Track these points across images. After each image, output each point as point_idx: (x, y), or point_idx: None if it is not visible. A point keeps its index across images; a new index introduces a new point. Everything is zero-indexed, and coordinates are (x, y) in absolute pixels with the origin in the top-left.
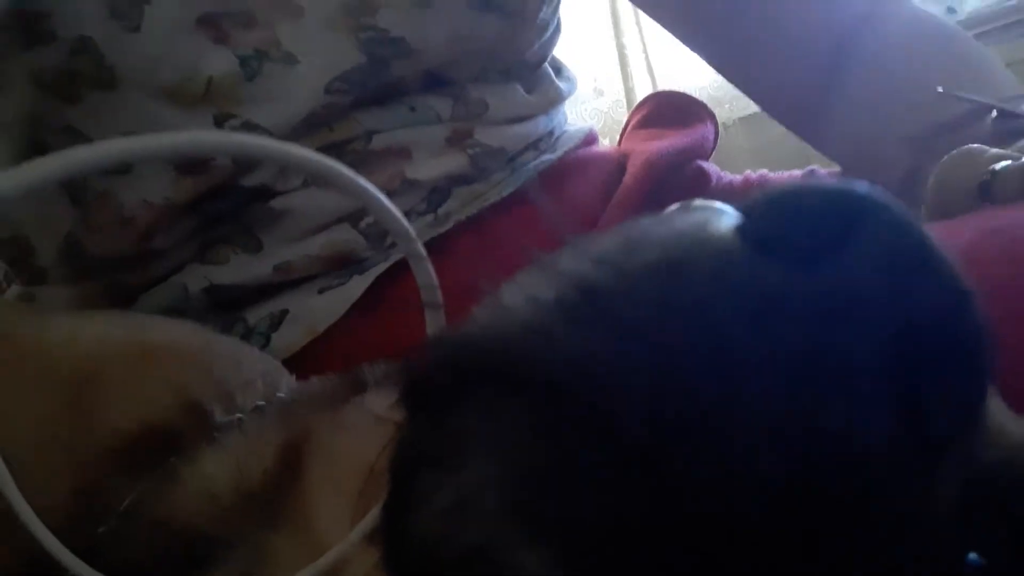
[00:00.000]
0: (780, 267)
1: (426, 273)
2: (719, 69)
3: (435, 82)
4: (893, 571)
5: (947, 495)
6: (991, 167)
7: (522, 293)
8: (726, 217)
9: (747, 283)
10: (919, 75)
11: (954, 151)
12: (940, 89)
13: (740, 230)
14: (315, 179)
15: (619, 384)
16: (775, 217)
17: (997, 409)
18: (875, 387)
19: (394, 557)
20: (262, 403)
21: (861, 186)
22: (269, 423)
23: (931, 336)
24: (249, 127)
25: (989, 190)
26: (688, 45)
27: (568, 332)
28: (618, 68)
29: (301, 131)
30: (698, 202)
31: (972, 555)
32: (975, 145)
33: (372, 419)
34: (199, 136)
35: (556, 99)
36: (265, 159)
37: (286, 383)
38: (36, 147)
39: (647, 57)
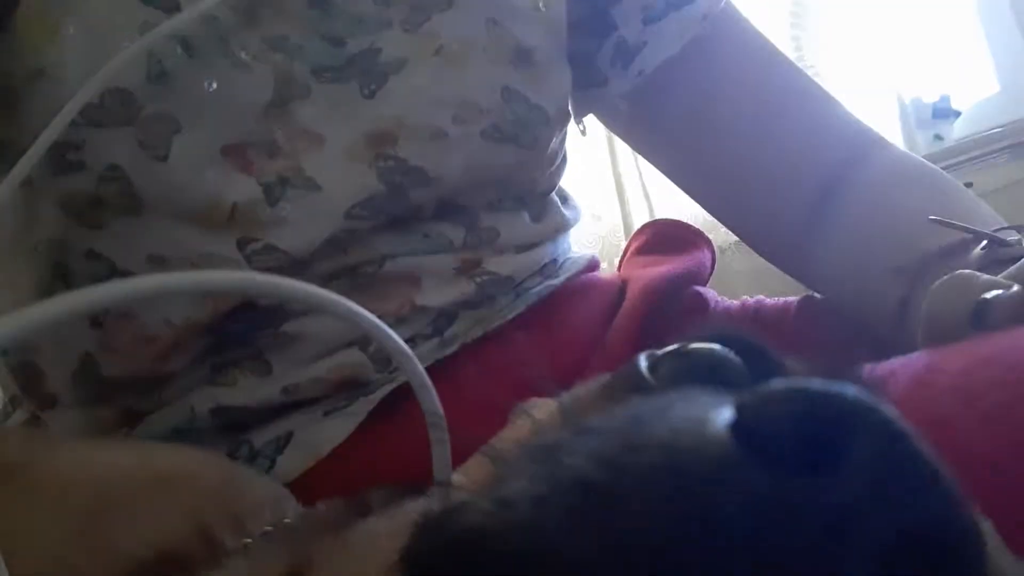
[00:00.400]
0: (774, 478)
1: (432, 403)
2: (702, 203)
3: (450, 210)
4: None
5: None
6: (983, 295)
7: (523, 487)
8: (721, 416)
9: (743, 495)
10: (905, 207)
11: (945, 276)
12: (932, 217)
13: (735, 431)
14: (326, 313)
15: None
16: (768, 420)
17: (995, 551)
18: None
19: None
20: (269, 528)
21: (849, 389)
22: (275, 548)
23: (927, 553)
24: (270, 250)
25: (982, 319)
26: (672, 179)
27: (565, 539)
28: (615, 195)
29: (319, 254)
30: (695, 345)
31: None
32: (966, 271)
33: (374, 544)
34: (194, 276)
35: (562, 227)
36: (269, 296)
37: (293, 508)
38: (59, 271)
39: (643, 184)
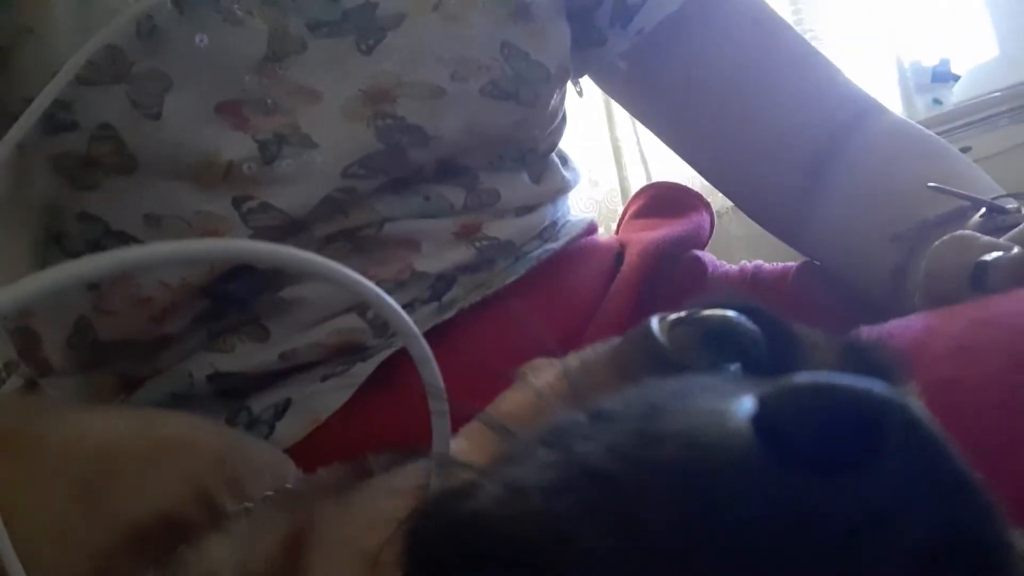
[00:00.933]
0: (798, 479)
1: (432, 375)
2: (697, 168)
3: (450, 171)
4: None
5: None
6: (982, 258)
7: (535, 474)
8: (742, 409)
9: (766, 496)
10: (903, 174)
11: (945, 236)
12: (931, 184)
13: (758, 426)
14: (323, 281)
15: None
16: (793, 415)
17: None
18: None
19: None
20: (270, 493)
21: (878, 385)
22: (276, 512)
23: (956, 561)
24: (266, 208)
25: (981, 280)
26: (667, 143)
27: (581, 532)
28: (612, 159)
29: (318, 214)
30: (709, 312)
31: None
32: (967, 232)
33: (375, 508)
34: (192, 244)
35: (563, 188)
36: (265, 263)
37: (293, 474)
38: (52, 233)
39: (640, 149)
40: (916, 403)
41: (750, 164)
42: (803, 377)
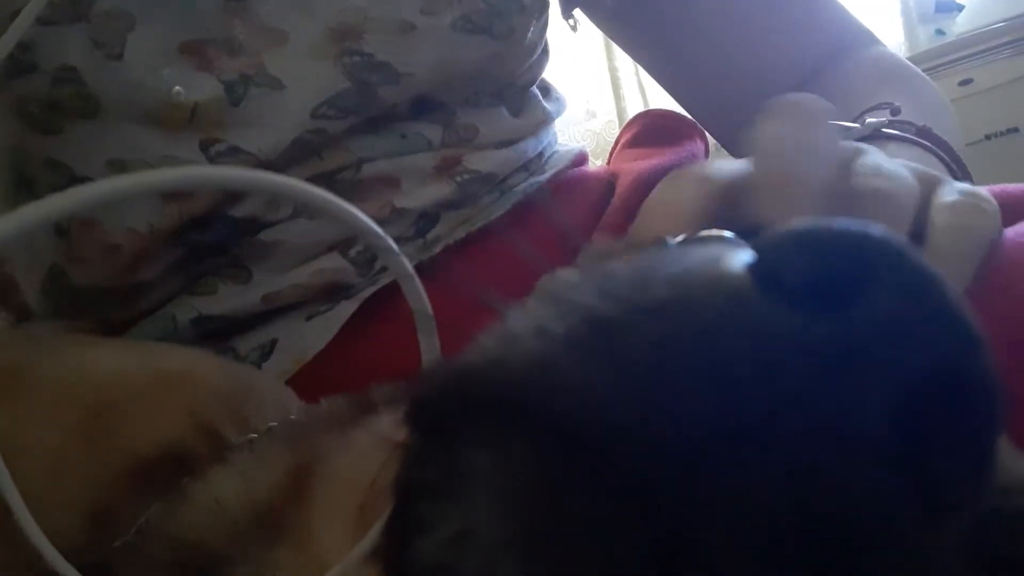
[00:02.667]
0: (792, 312)
1: (416, 293)
2: (683, 104)
3: (425, 107)
4: None
5: (949, 554)
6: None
7: (530, 322)
8: (738, 254)
9: (758, 329)
10: (861, 103)
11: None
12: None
13: (752, 269)
14: (301, 206)
15: (622, 424)
16: (789, 257)
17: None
18: (881, 443)
19: None
20: (274, 424)
21: (877, 228)
22: (280, 443)
23: (944, 392)
24: (235, 152)
25: None
26: (655, 78)
27: (575, 369)
28: (610, 89)
29: (290, 158)
30: (707, 232)
31: None
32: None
33: (379, 439)
34: (182, 172)
35: (544, 120)
36: (249, 190)
37: (297, 406)
38: (22, 179)
39: (639, 79)
40: (911, 246)
41: (735, 102)
42: (799, 223)
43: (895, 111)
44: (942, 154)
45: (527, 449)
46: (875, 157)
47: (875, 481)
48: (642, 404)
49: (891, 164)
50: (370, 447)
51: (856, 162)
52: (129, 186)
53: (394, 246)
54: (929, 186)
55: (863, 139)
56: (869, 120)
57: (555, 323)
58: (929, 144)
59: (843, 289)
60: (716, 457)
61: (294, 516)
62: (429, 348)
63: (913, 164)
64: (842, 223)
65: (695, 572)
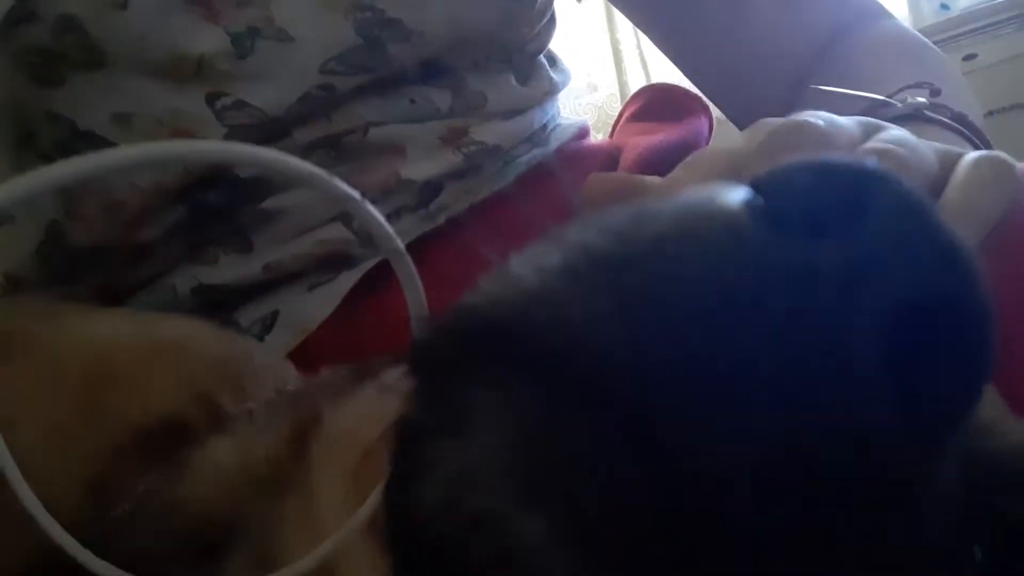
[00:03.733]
0: (787, 241)
1: (413, 286)
2: (690, 77)
3: (434, 72)
4: (891, 559)
5: (944, 485)
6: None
7: (530, 263)
8: (735, 190)
9: (754, 257)
10: (867, 77)
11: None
12: (813, 86)
13: (749, 204)
14: (300, 184)
15: (622, 356)
16: (785, 191)
17: (995, 407)
18: (874, 367)
19: (397, 520)
20: (272, 395)
21: (871, 162)
22: (279, 412)
23: (936, 318)
24: (241, 106)
25: None
26: (661, 50)
27: (573, 303)
28: (612, 63)
29: (297, 115)
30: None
31: (976, 549)
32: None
33: (377, 400)
34: (177, 145)
35: (550, 91)
36: (245, 165)
37: (294, 377)
38: (22, 133)
39: (641, 51)
40: (905, 179)
41: (743, 73)
42: (795, 159)
43: (935, 92)
44: (978, 143)
45: (527, 382)
46: (898, 131)
47: (866, 400)
48: (641, 334)
49: (913, 139)
50: (369, 408)
51: (878, 135)
52: (118, 160)
53: (382, 220)
54: (952, 162)
55: (900, 118)
56: (910, 100)
57: (554, 259)
58: (965, 131)
59: (837, 218)
60: (714, 383)
61: (295, 478)
62: (416, 304)
63: (938, 144)
64: (836, 157)
65: (696, 500)
